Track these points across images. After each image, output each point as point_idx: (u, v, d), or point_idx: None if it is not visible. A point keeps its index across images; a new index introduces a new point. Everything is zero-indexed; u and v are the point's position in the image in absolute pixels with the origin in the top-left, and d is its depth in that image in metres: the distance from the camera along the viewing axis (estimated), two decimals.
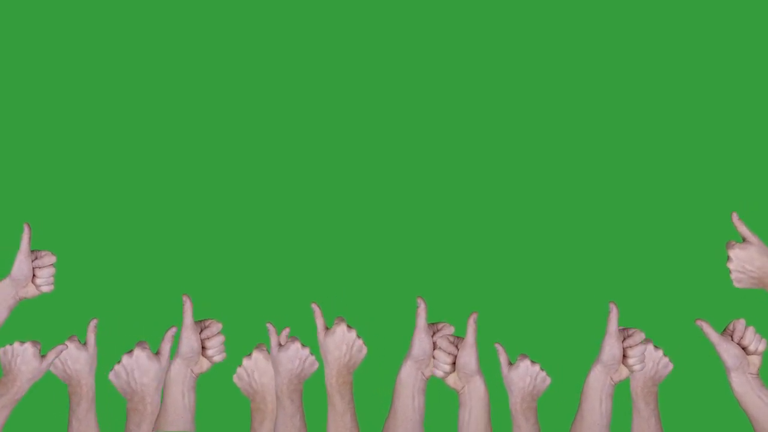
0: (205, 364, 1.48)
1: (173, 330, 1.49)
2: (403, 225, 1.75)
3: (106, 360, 1.56)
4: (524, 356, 1.49)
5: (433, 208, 1.76)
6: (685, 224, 1.74)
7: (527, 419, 1.48)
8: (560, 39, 1.81)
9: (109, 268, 1.71)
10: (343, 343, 1.48)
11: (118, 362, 1.49)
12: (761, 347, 1.47)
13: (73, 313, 1.67)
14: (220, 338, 1.48)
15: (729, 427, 1.60)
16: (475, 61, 1.81)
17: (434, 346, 1.48)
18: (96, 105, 1.77)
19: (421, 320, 1.45)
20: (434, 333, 1.49)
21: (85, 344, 1.50)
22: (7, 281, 1.46)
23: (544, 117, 1.79)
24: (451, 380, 1.47)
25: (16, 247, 1.52)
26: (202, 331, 1.49)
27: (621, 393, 1.57)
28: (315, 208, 1.75)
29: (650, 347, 1.53)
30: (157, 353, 1.49)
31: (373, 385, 1.61)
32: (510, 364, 1.49)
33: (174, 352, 1.51)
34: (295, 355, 1.47)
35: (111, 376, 1.49)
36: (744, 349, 1.47)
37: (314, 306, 1.49)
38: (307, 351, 1.48)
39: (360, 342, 1.48)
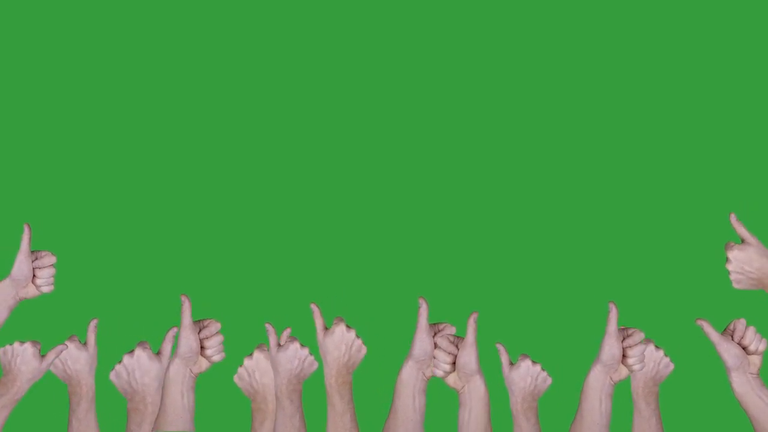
0: (204, 364, 1.48)
1: (174, 330, 1.49)
2: (402, 225, 1.75)
3: (106, 360, 1.56)
4: (525, 356, 1.49)
5: (433, 208, 1.76)
6: (685, 224, 1.74)
7: (528, 419, 1.48)
8: (560, 39, 1.81)
9: (109, 268, 1.71)
10: (342, 343, 1.48)
11: (119, 362, 1.49)
12: (762, 347, 1.46)
13: (73, 313, 1.67)
14: (219, 338, 1.48)
15: (729, 427, 1.60)
16: (475, 61, 1.81)
17: (435, 346, 1.48)
18: (96, 105, 1.77)
19: (423, 320, 1.45)
20: (435, 333, 1.49)
21: (85, 344, 1.50)
22: (7, 281, 1.46)
23: (544, 118, 1.79)
24: (451, 380, 1.47)
25: (16, 247, 1.53)
26: (200, 331, 1.48)
27: (622, 393, 1.57)
28: (315, 208, 1.75)
29: (651, 347, 1.53)
30: (158, 353, 1.49)
31: (373, 385, 1.61)
32: (511, 364, 1.49)
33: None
34: (294, 355, 1.47)
35: (112, 375, 1.49)
36: (744, 348, 1.47)
37: (313, 306, 1.49)
38: (306, 351, 1.48)
39: (359, 342, 1.48)
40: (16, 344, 1.46)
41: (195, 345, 1.46)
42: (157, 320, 1.68)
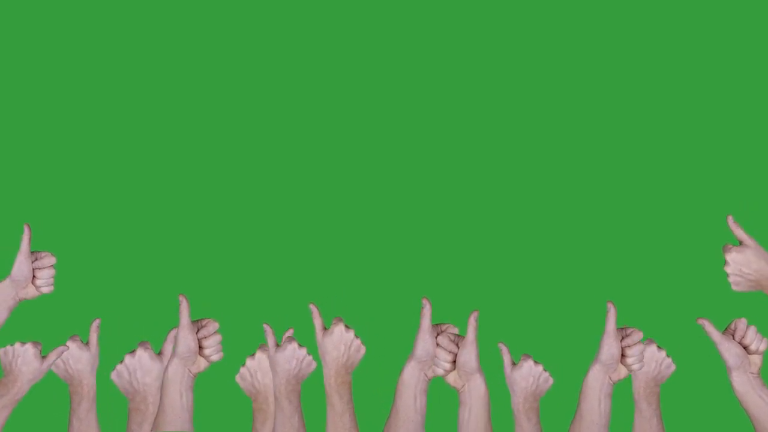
0: (202, 364, 1.48)
1: (175, 331, 1.50)
2: (402, 225, 1.75)
3: (106, 360, 1.57)
4: (527, 356, 1.49)
5: (433, 208, 1.75)
6: (686, 224, 1.73)
7: (529, 419, 1.48)
8: (559, 40, 1.81)
9: (109, 268, 1.71)
10: (341, 343, 1.47)
11: (121, 362, 1.49)
12: (762, 347, 1.46)
13: (74, 314, 1.67)
14: (217, 337, 1.48)
15: (730, 427, 1.59)
16: (475, 62, 1.80)
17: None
18: (96, 105, 1.78)
19: (426, 321, 1.45)
20: (438, 334, 1.49)
21: (86, 344, 1.50)
22: (7, 282, 1.46)
23: (544, 119, 1.79)
24: (452, 378, 1.46)
25: (16, 247, 1.53)
26: (198, 330, 1.48)
27: (623, 393, 1.57)
28: (314, 208, 1.75)
29: (653, 347, 1.52)
30: (159, 353, 1.50)
31: (372, 385, 1.61)
32: (513, 364, 1.49)
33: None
34: (292, 356, 1.47)
35: (113, 375, 1.49)
36: (745, 348, 1.46)
37: (312, 306, 1.49)
38: (304, 351, 1.48)
39: (358, 342, 1.48)
40: (17, 345, 1.46)
41: (193, 345, 1.46)
42: (157, 320, 1.68)
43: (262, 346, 1.54)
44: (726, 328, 1.49)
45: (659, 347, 1.53)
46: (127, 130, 1.77)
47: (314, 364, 1.49)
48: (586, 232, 1.74)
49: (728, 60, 1.79)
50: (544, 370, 1.49)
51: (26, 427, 1.58)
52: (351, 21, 1.81)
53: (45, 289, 1.48)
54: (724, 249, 1.49)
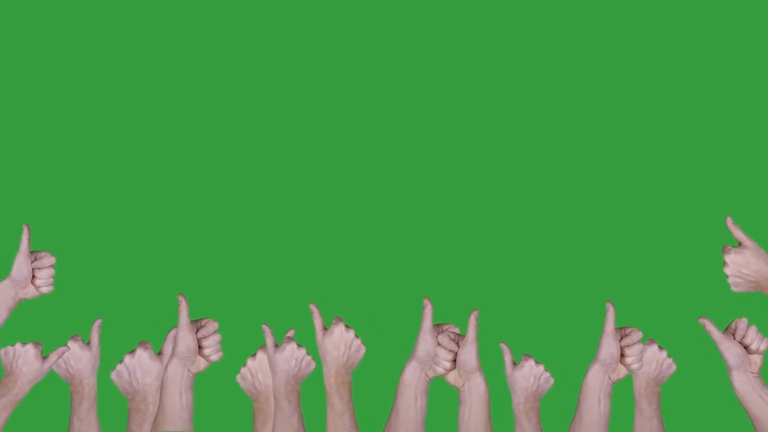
0: (202, 364, 1.48)
1: (175, 331, 1.50)
2: (402, 225, 1.75)
3: (106, 359, 1.57)
4: (528, 356, 1.49)
5: (434, 208, 1.75)
6: (686, 225, 1.73)
7: (530, 419, 1.47)
8: (559, 40, 1.80)
9: (109, 268, 1.71)
10: (341, 343, 1.47)
11: (120, 362, 1.49)
12: (763, 346, 1.46)
13: (74, 314, 1.68)
14: (217, 337, 1.48)
15: (730, 427, 1.59)
16: (475, 62, 1.80)
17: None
18: (96, 105, 1.78)
19: (427, 321, 1.45)
20: (439, 335, 1.49)
21: (88, 344, 1.50)
22: (6, 282, 1.46)
23: (544, 119, 1.78)
24: (452, 377, 1.46)
25: (16, 247, 1.53)
26: (198, 330, 1.48)
27: (624, 393, 1.57)
28: (314, 207, 1.75)
29: (654, 347, 1.52)
30: (159, 353, 1.50)
31: (373, 385, 1.61)
32: (514, 363, 1.49)
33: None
34: (291, 356, 1.47)
35: (113, 375, 1.49)
36: (746, 348, 1.46)
37: (312, 306, 1.49)
38: (303, 351, 1.48)
39: (358, 342, 1.48)
40: (18, 345, 1.46)
41: (192, 344, 1.46)
42: (157, 320, 1.68)
43: (263, 346, 1.53)
44: (726, 328, 1.49)
45: (660, 347, 1.53)
46: (127, 131, 1.77)
47: (313, 364, 1.49)
48: (587, 233, 1.74)
49: (728, 60, 1.79)
50: (545, 370, 1.49)
51: (27, 426, 1.58)
52: (351, 21, 1.81)
53: (45, 289, 1.48)
54: (723, 250, 1.49)
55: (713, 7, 1.80)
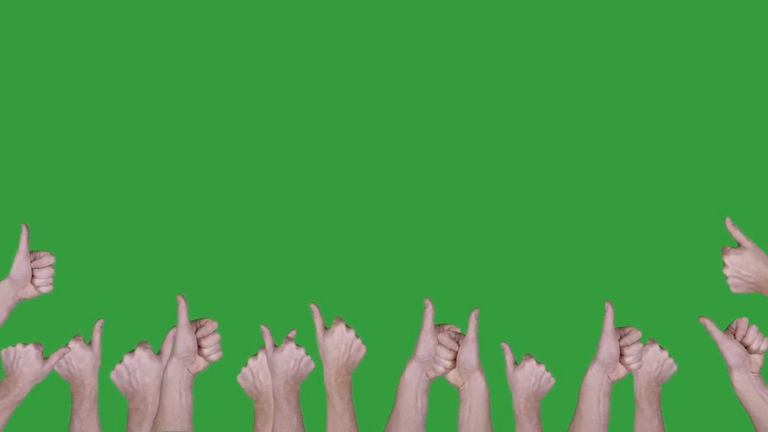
0: (201, 364, 1.48)
1: (174, 330, 1.49)
2: (403, 225, 1.75)
3: (106, 359, 1.57)
4: (530, 356, 1.49)
5: (434, 207, 1.75)
6: (686, 225, 1.73)
7: (530, 419, 1.47)
8: (559, 40, 1.80)
9: (108, 268, 1.71)
10: (341, 343, 1.47)
11: (120, 362, 1.49)
12: (763, 346, 1.46)
13: (73, 314, 1.67)
14: (216, 337, 1.48)
15: (730, 427, 1.59)
16: (475, 62, 1.80)
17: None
18: (95, 105, 1.78)
19: (428, 321, 1.45)
20: (439, 334, 1.48)
21: (89, 344, 1.50)
22: (6, 282, 1.46)
23: (544, 120, 1.78)
24: (452, 376, 1.46)
25: (15, 247, 1.53)
26: (197, 330, 1.48)
27: (624, 393, 1.57)
28: (315, 207, 1.75)
29: (656, 347, 1.52)
30: (158, 353, 1.50)
31: (373, 385, 1.60)
32: (515, 363, 1.48)
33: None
34: (290, 356, 1.47)
35: (112, 375, 1.49)
36: (746, 347, 1.46)
37: (313, 306, 1.49)
38: (302, 351, 1.47)
39: (358, 341, 1.48)
40: (19, 346, 1.46)
41: (192, 344, 1.45)
42: (157, 320, 1.68)
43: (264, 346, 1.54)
44: (727, 328, 1.49)
45: (661, 347, 1.53)
46: (127, 131, 1.77)
47: (312, 365, 1.49)
48: (587, 233, 1.74)
49: (728, 60, 1.79)
50: (546, 370, 1.49)
51: (27, 426, 1.58)
52: (351, 21, 1.81)
53: (44, 289, 1.48)
54: (723, 251, 1.49)
55: (713, 7, 1.80)
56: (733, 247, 1.50)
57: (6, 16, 1.79)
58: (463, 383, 1.46)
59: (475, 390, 1.45)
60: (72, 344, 1.48)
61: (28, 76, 1.78)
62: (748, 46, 1.79)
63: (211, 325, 1.49)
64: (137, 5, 1.81)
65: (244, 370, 1.52)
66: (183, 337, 1.45)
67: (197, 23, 1.81)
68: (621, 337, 1.44)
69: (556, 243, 1.73)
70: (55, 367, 1.50)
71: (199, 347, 1.47)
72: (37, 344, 1.46)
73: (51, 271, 1.49)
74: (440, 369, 1.46)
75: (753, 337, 1.46)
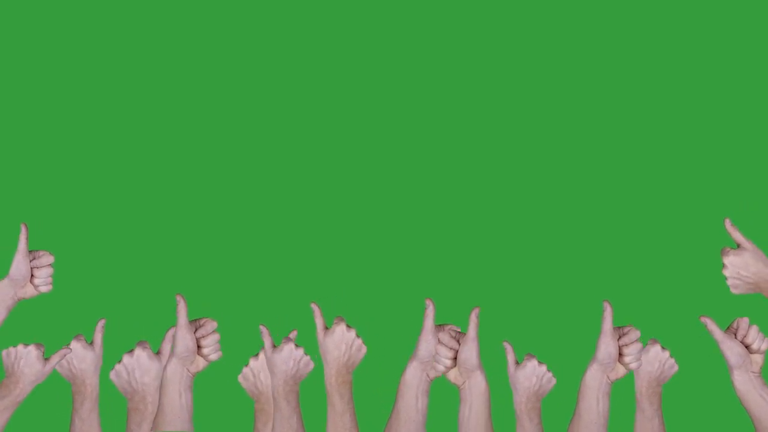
0: (201, 363, 1.48)
1: (173, 330, 1.49)
2: (403, 225, 1.75)
3: (106, 359, 1.57)
4: (531, 356, 1.49)
5: (435, 207, 1.75)
6: (686, 225, 1.73)
7: (531, 419, 1.47)
8: (559, 40, 1.81)
9: (109, 268, 1.71)
10: (342, 343, 1.47)
11: (119, 362, 1.49)
12: (764, 346, 1.46)
13: (73, 313, 1.67)
14: (216, 337, 1.48)
15: (730, 427, 1.59)
16: (475, 62, 1.80)
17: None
18: (95, 105, 1.78)
19: (429, 321, 1.45)
20: (440, 333, 1.48)
21: (91, 344, 1.50)
22: (5, 281, 1.46)
23: (544, 119, 1.79)
24: (452, 375, 1.46)
25: (14, 247, 1.53)
26: (197, 330, 1.48)
27: (624, 393, 1.57)
28: (315, 207, 1.75)
29: (657, 347, 1.52)
30: (158, 353, 1.49)
31: (373, 385, 1.60)
32: (517, 363, 1.48)
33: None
34: (289, 356, 1.47)
35: (112, 375, 1.49)
36: (747, 347, 1.46)
37: (314, 306, 1.49)
38: (301, 351, 1.47)
39: (359, 341, 1.48)
40: (20, 346, 1.46)
41: (191, 344, 1.45)
42: (157, 320, 1.68)
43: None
44: (728, 327, 1.49)
45: (663, 347, 1.53)
46: (127, 131, 1.77)
47: (312, 365, 1.49)
48: (587, 233, 1.74)
49: (728, 60, 1.79)
50: (548, 370, 1.49)
51: (28, 426, 1.58)
52: (351, 21, 1.81)
53: (43, 288, 1.48)
54: (722, 252, 1.50)
55: (713, 7, 1.80)
56: (732, 248, 1.50)
57: (6, 16, 1.79)
58: (464, 382, 1.46)
59: (475, 389, 1.45)
60: (73, 344, 1.48)
61: (28, 76, 1.78)
62: (747, 47, 1.79)
63: (210, 325, 1.49)
64: (137, 5, 1.81)
65: (245, 370, 1.52)
66: (182, 336, 1.45)
67: (197, 23, 1.81)
68: (620, 337, 1.44)
69: (556, 243, 1.73)
70: (57, 367, 1.50)
71: (199, 347, 1.47)
72: (38, 345, 1.46)
73: (50, 270, 1.49)
74: (441, 368, 1.45)
75: (754, 336, 1.46)
